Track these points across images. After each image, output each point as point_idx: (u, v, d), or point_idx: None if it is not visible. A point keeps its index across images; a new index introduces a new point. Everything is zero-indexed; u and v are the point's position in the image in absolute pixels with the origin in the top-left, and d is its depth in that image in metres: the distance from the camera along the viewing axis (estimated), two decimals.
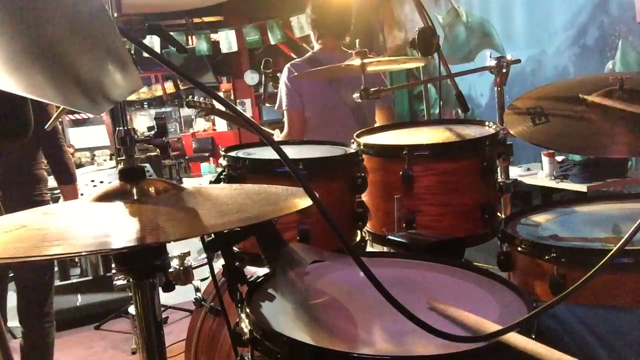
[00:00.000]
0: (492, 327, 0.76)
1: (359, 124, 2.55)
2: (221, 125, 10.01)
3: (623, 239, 0.64)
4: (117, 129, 0.87)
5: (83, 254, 0.66)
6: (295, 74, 2.51)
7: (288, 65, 2.63)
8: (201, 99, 3.61)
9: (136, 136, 0.89)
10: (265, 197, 0.92)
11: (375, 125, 2.65)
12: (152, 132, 1.01)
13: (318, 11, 2.68)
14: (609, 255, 0.65)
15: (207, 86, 0.84)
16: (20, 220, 0.80)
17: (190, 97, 3.62)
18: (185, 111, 10.94)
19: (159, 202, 0.83)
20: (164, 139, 1.02)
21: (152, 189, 0.85)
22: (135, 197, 0.83)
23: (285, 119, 2.63)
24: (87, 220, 0.80)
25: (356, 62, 1.80)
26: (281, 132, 2.72)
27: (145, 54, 0.78)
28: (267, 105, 2.77)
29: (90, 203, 0.84)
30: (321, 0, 2.68)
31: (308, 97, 2.58)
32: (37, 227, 0.78)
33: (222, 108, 3.66)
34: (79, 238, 0.73)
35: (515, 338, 0.71)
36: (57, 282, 4.21)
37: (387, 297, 0.70)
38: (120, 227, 0.76)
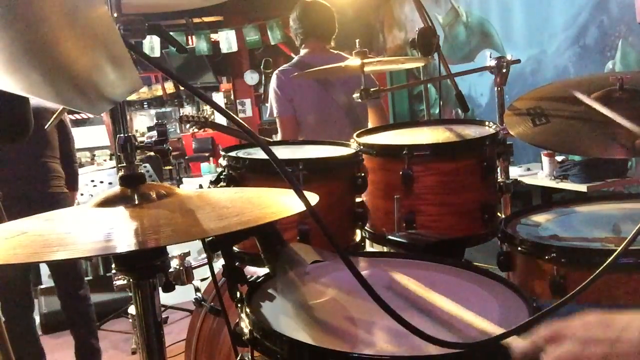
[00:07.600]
0: (495, 330, 0.76)
1: (352, 123, 2.55)
2: None
3: (626, 240, 0.64)
4: (118, 135, 0.87)
5: (83, 256, 0.66)
6: (284, 80, 2.52)
7: (276, 72, 2.63)
8: (194, 113, 3.67)
9: (136, 143, 0.89)
10: (265, 200, 0.92)
11: (368, 124, 2.66)
12: (153, 138, 1.02)
13: (299, 21, 2.69)
14: (612, 257, 0.64)
15: (199, 90, 0.84)
16: (21, 227, 0.81)
17: (183, 112, 3.69)
18: (186, 111, 10.94)
19: (160, 207, 0.83)
20: (164, 145, 1.02)
21: (153, 194, 0.85)
22: (136, 202, 0.83)
23: (278, 125, 2.65)
24: (87, 225, 0.80)
25: (355, 62, 1.80)
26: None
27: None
28: (267, 105, 2.78)
29: (91, 208, 0.84)
30: (302, 10, 2.69)
31: (300, 101, 2.58)
32: (37, 234, 0.78)
33: (215, 119, 3.71)
34: (80, 243, 0.73)
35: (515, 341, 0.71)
36: None
37: (375, 299, 0.69)
38: (121, 232, 0.76)
